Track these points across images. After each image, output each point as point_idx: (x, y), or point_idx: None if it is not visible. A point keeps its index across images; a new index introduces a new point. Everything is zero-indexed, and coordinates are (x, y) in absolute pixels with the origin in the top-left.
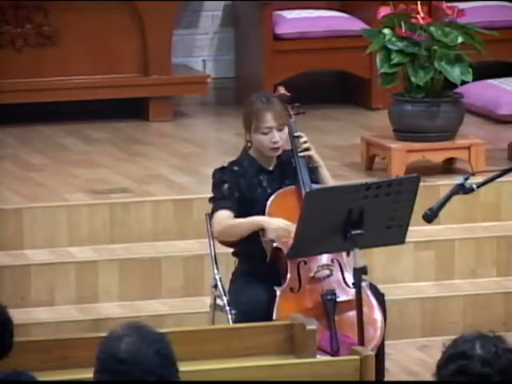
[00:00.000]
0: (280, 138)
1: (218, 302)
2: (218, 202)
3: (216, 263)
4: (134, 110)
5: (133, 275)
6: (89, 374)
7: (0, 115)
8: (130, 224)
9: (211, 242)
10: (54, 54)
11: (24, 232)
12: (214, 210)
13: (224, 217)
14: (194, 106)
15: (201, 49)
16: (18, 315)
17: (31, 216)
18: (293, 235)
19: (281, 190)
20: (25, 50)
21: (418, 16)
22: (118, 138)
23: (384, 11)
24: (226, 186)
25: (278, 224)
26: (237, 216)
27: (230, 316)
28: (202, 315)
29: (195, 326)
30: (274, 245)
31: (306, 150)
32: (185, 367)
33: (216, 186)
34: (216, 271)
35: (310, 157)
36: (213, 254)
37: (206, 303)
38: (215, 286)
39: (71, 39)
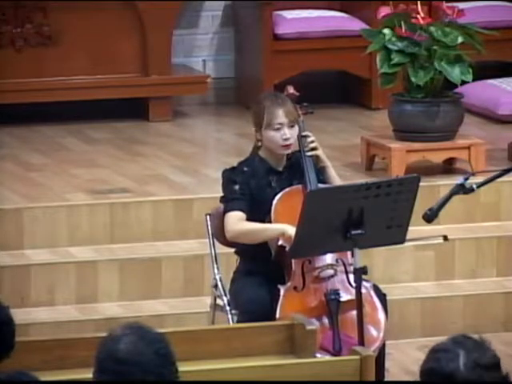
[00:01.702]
0: (291, 135)
1: (219, 301)
2: (229, 202)
3: (216, 263)
4: (134, 109)
5: (133, 275)
6: (89, 374)
7: (0, 115)
8: (130, 224)
9: (211, 242)
10: (54, 54)
11: (24, 232)
12: (225, 211)
13: (238, 218)
14: (194, 106)
15: (201, 49)
16: (18, 315)
17: (31, 216)
18: None
19: (287, 189)
20: (25, 50)
21: (418, 16)
22: (118, 138)
23: (384, 11)
24: (237, 186)
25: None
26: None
27: (230, 316)
28: (202, 315)
29: (195, 326)
30: (279, 243)
31: (314, 149)
32: (185, 367)
33: (227, 186)
34: (216, 271)
35: (317, 157)
36: (213, 253)
37: (206, 303)
38: (215, 286)
39: (71, 39)
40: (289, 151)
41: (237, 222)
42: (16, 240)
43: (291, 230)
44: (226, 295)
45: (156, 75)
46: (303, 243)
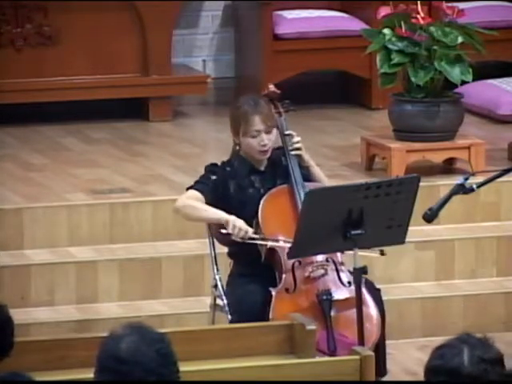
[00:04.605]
0: (269, 140)
1: (218, 302)
2: (197, 183)
3: (216, 263)
4: (133, 110)
5: (133, 275)
6: (89, 374)
7: (0, 115)
8: (130, 224)
9: (211, 242)
10: (54, 54)
11: (24, 232)
12: (188, 188)
13: (193, 196)
14: (194, 106)
15: (201, 49)
16: (18, 315)
17: (31, 216)
18: (250, 235)
19: (273, 190)
20: (25, 50)
21: (418, 16)
22: (118, 138)
23: (384, 11)
24: (214, 177)
25: (239, 225)
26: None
27: (229, 316)
28: (202, 315)
29: (195, 326)
30: (268, 245)
31: (298, 149)
32: (185, 367)
33: (204, 174)
34: (216, 271)
35: (300, 156)
36: (213, 254)
37: (206, 303)
38: (215, 286)
39: (71, 39)
40: (266, 156)
41: (190, 197)
42: (16, 240)
43: (233, 220)
44: (225, 295)
45: (156, 75)
46: (303, 243)
